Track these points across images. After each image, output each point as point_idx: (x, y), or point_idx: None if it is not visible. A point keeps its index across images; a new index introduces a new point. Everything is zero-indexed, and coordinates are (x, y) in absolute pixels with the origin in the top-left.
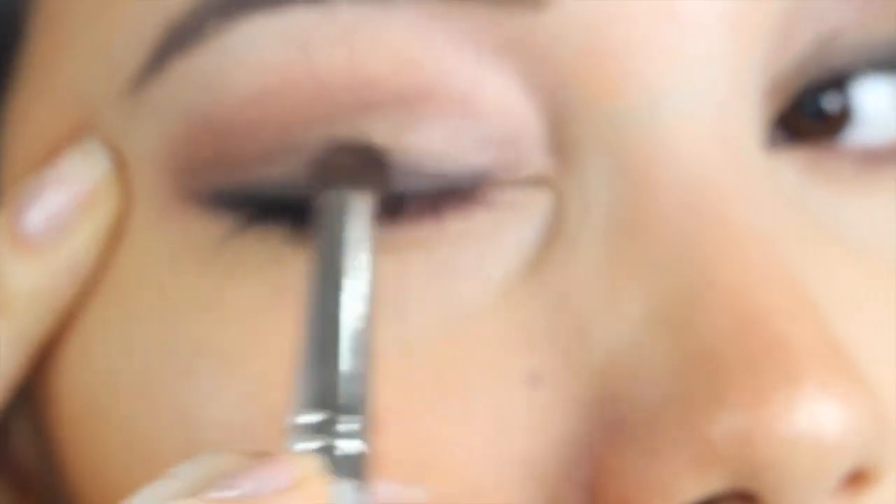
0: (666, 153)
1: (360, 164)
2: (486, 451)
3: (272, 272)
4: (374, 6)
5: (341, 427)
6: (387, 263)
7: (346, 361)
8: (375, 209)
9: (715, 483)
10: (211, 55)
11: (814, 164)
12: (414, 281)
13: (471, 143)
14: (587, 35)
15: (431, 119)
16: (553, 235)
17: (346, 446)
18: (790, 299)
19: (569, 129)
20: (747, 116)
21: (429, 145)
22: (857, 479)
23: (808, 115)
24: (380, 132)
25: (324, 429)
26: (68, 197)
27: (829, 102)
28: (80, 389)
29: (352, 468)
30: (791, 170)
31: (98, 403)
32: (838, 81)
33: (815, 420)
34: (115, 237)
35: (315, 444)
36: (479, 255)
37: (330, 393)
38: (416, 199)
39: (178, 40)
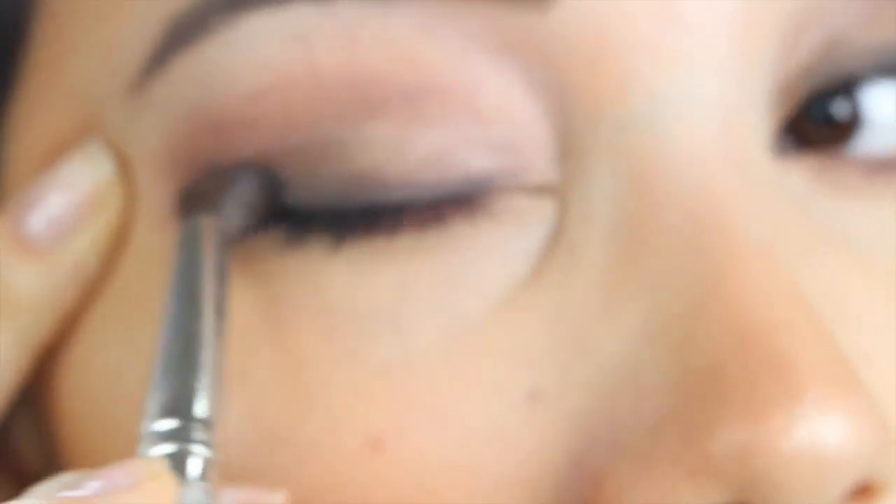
0: (669, 163)
1: (217, 190)
2: (485, 468)
3: (270, 283)
4: (376, 5)
5: (194, 433)
6: (387, 274)
7: (201, 373)
8: (234, 231)
9: (714, 497)
10: (212, 52)
11: (822, 171)
12: (414, 293)
13: (474, 147)
14: (589, 36)
15: (434, 119)
16: (555, 244)
17: (196, 452)
18: (792, 312)
19: (573, 136)
20: (754, 123)
21: (432, 147)
22: (863, 492)
23: (816, 121)
24: (382, 133)
25: (176, 435)
26: (71, 200)
27: (838, 109)
28: (82, 390)
29: (202, 474)
30: (799, 177)
31: (100, 405)
32: (847, 87)
33: (815, 435)
34: (118, 240)
35: (167, 448)
36: (481, 266)
37: (184, 402)
38: (418, 208)
39: (180, 37)
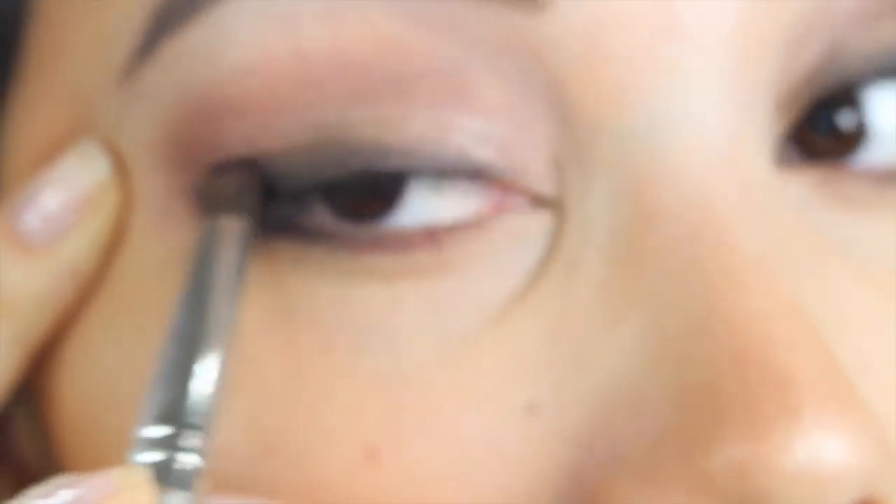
0: (668, 177)
1: (236, 191)
2: (481, 481)
3: (275, 295)
4: None
5: (184, 442)
6: (382, 292)
7: (200, 380)
8: (250, 236)
9: None
10: (198, 34)
11: (827, 182)
12: (409, 311)
13: (468, 137)
14: (585, 42)
15: (424, 106)
16: (553, 257)
17: (185, 461)
18: (792, 328)
19: (570, 144)
20: (755, 135)
21: (426, 127)
22: None
23: (821, 132)
24: (373, 114)
25: (167, 443)
26: (66, 198)
27: (844, 120)
28: (77, 390)
29: (189, 482)
30: (802, 189)
31: (95, 405)
32: (851, 97)
33: (813, 453)
34: (115, 238)
35: (154, 456)
36: (477, 283)
37: (178, 408)
38: (413, 228)
39: (166, 22)
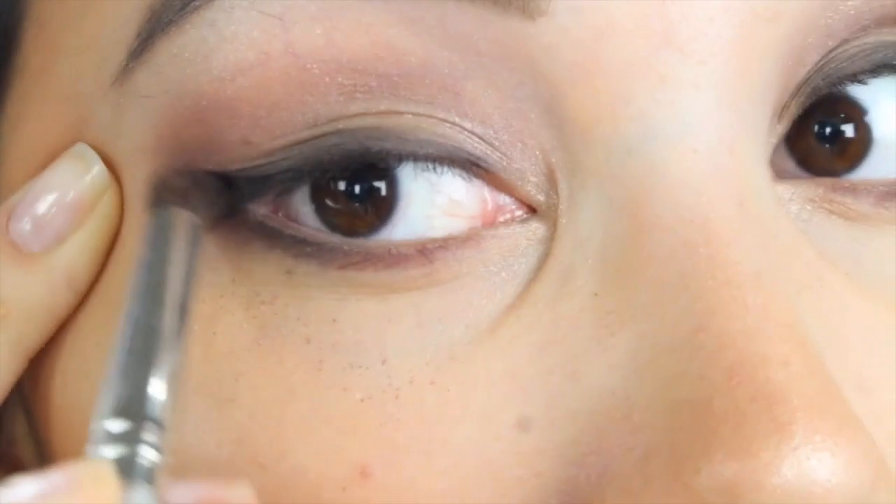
0: (662, 191)
1: (190, 186)
2: (473, 497)
3: (267, 310)
4: None
5: (145, 436)
6: (374, 308)
7: (157, 373)
8: (202, 229)
9: None
10: (191, 33)
11: (827, 196)
12: (401, 326)
13: (462, 134)
14: (580, 52)
15: (420, 106)
16: (545, 268)
17: (146, 454)
18: (785, 346)
19: (564, 153)
20: (753, 146)
21: (419, 123)
22: None
23: (821, 145)
24: (367, 115)
25: (128, 436)
26: (60, 205)
27: (845, 132)
28: (72, 393)
29: (150, 475)
30: (801, 202)
31: (90, 408)
32: (853, 109)
33: (804, 470)
34: (110, 242)
35: (115, 450)
36: (469, 297)
37: (138, 402)
38: (405, 243)
39: (159, 23)
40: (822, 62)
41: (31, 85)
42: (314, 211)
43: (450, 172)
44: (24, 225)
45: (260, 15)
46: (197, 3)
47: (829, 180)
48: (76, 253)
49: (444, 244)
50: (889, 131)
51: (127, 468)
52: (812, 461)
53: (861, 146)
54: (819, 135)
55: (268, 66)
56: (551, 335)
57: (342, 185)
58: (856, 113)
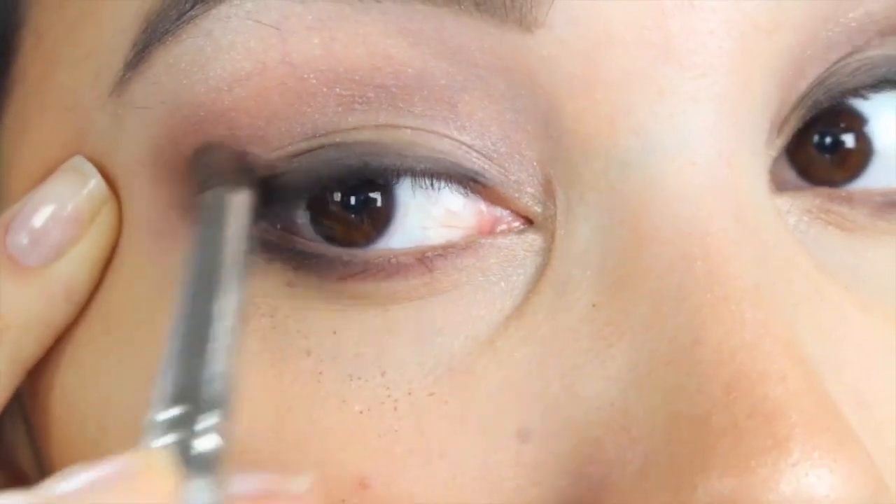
0: (660, 204)
1: (234, 166)
2: None
3: (268, 322)
4: (353, 3)
5: (201, 424)
6: (374, 318)
7: (213, 358)
8: (253, 209)
9: None
10: (190, 43)
11: (826, 207)
12: (401, 336)
13: (459, 149)
14: (578, 63)
15: (417, 117)
16: (543, 280)
17: (204, 442)
18: (783, 362)
19: (560, 165)
20: (751, 158)
21: (416, 138)
22: None
23: (821, 155)
24: (363, 127)
25: (183, 423)
26: (58, 218)
27: (845, 142)
28: (71, 405)
29: (210, 464)
30: (800, 214)
31: (89, 420)
32: (853, 120)
33: (801, 487)
34: (109, 255)
35: (170, 438)
36: (468, 307)
37: (194, 388)
38: (404, 251)
39: (156, 33)
40: (823, 76)
41: (30, 95)
42: (311, 222)
43: (447, 188)
44: (22, 238)
45: (256, 25)
46: (193, 14)
47: (826, 191)
48: (74, 266)
49: (444, 252)
50: (890, 142)
51: (185, 455)
52: (810, 477)
53: (861, 156)
54: (819, 145)
55: (265, 76)
56: (550, 347)
57: (338, 197)
58: (856, 123)
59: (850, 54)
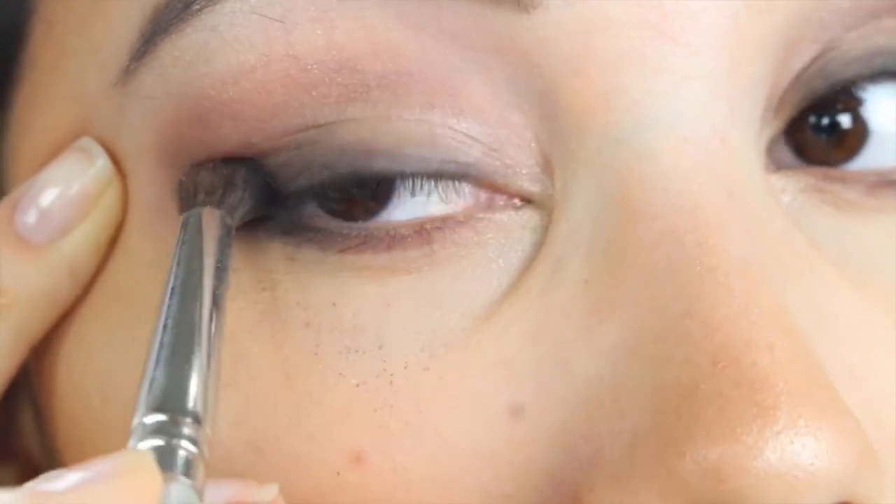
0: (653, 180)
1: (220, 183)
2: (466, 483)
3: (268, 296)
4: None
5: (184, 429)
6: (373, 291)
7: (195, 368)
8: (234, 225)
9: None
10: (193, 35)
11: (821, 186)
12: (396, 310)
13: (459, 137)
14: (574, 44)
15: (415, 107)
16: (539, 257)
17: (186, 447)
18: (771, 332)
19: (558, 145)
20: (745, 136)
21: (416, 127)
22: None
23: (818, 135)
24: (364, 115)
25: (166, 429)
26: (64, 197)
27: (841, 123)
28: (76, 384)
29: (190, 469)
30: (795, 192)
31: (92, 401)
32: (849, 100)
33: (787, 454)
34: (113, 235)
35: (155, 442)
36: (465, 281)
37: (177, 396)
38: (403, 223)
39: (162, 24)
40: (817, 56)
41: (39, 83)
42: (313, 198)
43: (437, 191)
44: (29, 217)
45: (261, 18)
46: (196, 7)
47: (820, 170)
48: (79, 244)
49: (442, 225)
50: (886, 123)
51: (166, 460)
52: (795, 445)
53: (857, 137)
54: (816, 126)
55: (269, 69)
56: (543, 323)
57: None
58: (853, 104)
59: (843, 32)
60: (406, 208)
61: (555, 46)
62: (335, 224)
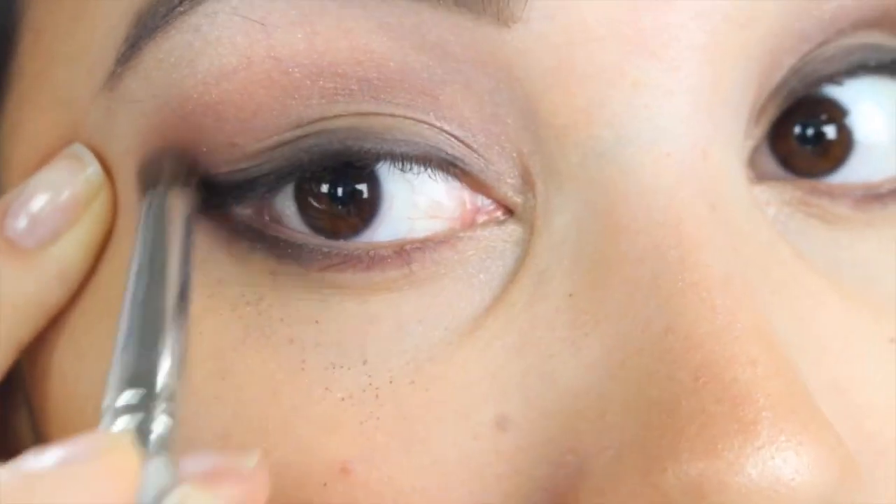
0: (635, 195)
1: (176, 166)
2: (452, 495)
3: (253, 311)
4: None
5: (155, 407)
6: (355, 309)
7: (164, 345)
8: (195, 208)
9: None
10: (178, 38)
11: (806, 199)
12: (381, 327)
13: (440, 135)
14: (555, 57)
15: (398, 108)
16: (521, 270)
17: (159, 424)
18: (753, 347)
19: (540, 157)
20: (728, 149)
21: (398, 124)
22: None
23: (803, 146)
24: (349, 116)
25: (138, 408)
26: (55, 202)
27: (826, 134)
28: (68, 387)
29: (165, 444)
30: (779, 204)
31: (84, 401)
32: (833, 109)
33: (768, 470)
34: (103, 240)
35: (128, 422)
36: (447, 298)
37: (147, 375)
38: (385, 244)
39: (145, 28)
40: (798, 65)
41: (28, 90)
42: (298, 213)
43: (427, 171)
44: (20, 222)
45: (243, 20)
46: (181, 9)
47: (807, 183)
48: (69, 250)
49: (422, 245)
50: (870, 133)
51: (142, 436)
52: (776, 460)
53: (842, 148)
54: (801, 136)
55: (251, 70)
56: (528, 336)
57: (325, 188)
58: (837, 114)
59: (823, 44)
60: (392, 226)
61: (535, 60)
62: (317, 241)
